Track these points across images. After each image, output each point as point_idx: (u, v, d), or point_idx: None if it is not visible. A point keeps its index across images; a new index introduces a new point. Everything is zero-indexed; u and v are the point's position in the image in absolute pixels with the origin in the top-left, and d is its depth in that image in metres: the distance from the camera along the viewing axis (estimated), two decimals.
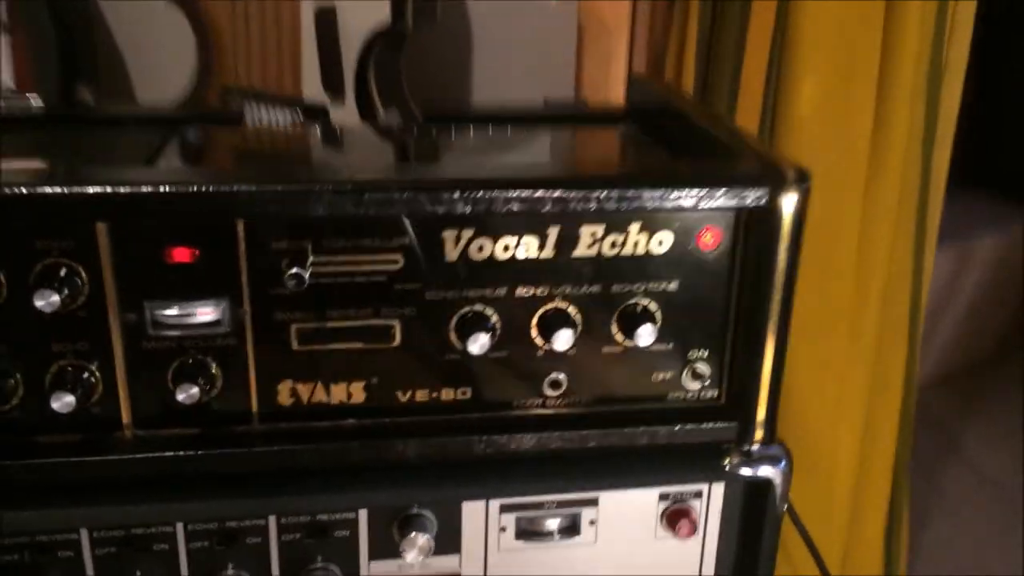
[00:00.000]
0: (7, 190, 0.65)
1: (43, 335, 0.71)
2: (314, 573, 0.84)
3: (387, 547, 0.84)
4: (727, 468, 0.83)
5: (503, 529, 0.86)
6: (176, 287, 0.71)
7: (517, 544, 0.87)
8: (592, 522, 0.87)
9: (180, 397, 0.72)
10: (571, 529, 0.87)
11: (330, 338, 0.74)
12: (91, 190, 0.66)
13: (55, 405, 0.70)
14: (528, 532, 0.87)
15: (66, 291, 0.68)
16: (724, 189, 0.72)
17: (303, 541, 0.83)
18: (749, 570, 0.89)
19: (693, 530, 0.87)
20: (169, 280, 0.71)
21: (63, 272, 0.69)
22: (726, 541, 0.90)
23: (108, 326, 0.71)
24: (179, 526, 0.79)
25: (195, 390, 0.72)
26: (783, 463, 0.84)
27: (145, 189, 0.66)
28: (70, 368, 0.72)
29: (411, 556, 0.82)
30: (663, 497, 0.87)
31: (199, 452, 0.75)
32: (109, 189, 0.66)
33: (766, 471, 0.84)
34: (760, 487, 0.85)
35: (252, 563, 0.83)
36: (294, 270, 0.69)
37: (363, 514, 0.82)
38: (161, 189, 0.66)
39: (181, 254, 0.70)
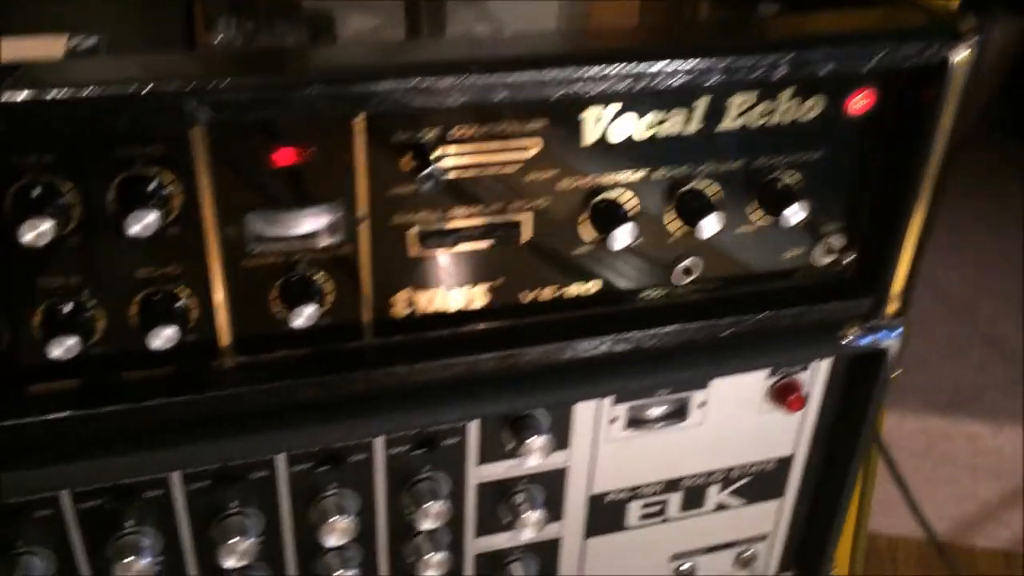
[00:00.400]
0: (78, 90, 0.52)
1: (128, 260, 0.60)
2: (420, 484, 0.78)
3: (496, 450, 0.79)
4: (845, 341, 0.80)
5: (613, 420, 0.82)
6: (282, 194, 0.61)
7: (625, 434, 0.83)
8: (701, 404, 0.83)
9: (295, 321, 0.62)
10: (679, 413, 0.83)
11: (453, 239, 0.65)
12: (188, 85, 0.53)
13: (154, 342, 0.60)
14: (637, 420, 0.82)
15: (158, 208, 0.56)
16: (886, 45, 0.65)
17: (410, 453, 0.76)
18: (848, 442, 0.88)
19: (803, 403, 0.84)
20: (274, 186, 0.60)
21: (153, 185, 0.57)
22: (827, 414, 0.88)
23: (204, 244, 0.61)
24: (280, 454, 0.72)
25: (311, 309, 0.62)
26: (899, 331, 0.81)
27: (252, 81, 0.54)
28: (159, 296, 0.61)
29: (532, 460, 0.77)
30: (772, 372, 0.84)
31: (309, 376, 0.66)
32: (210, 84, 0.54)
33: (884, 342, 0.81)
34: (870, 357, 0.82)
35: (355, 481, 0.76)
36: (428, 170, 0.59)
37: (475, 421, 0.76)
38: (270, 80, 0.54)
39: (288, 156, 0.59)
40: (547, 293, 0.70)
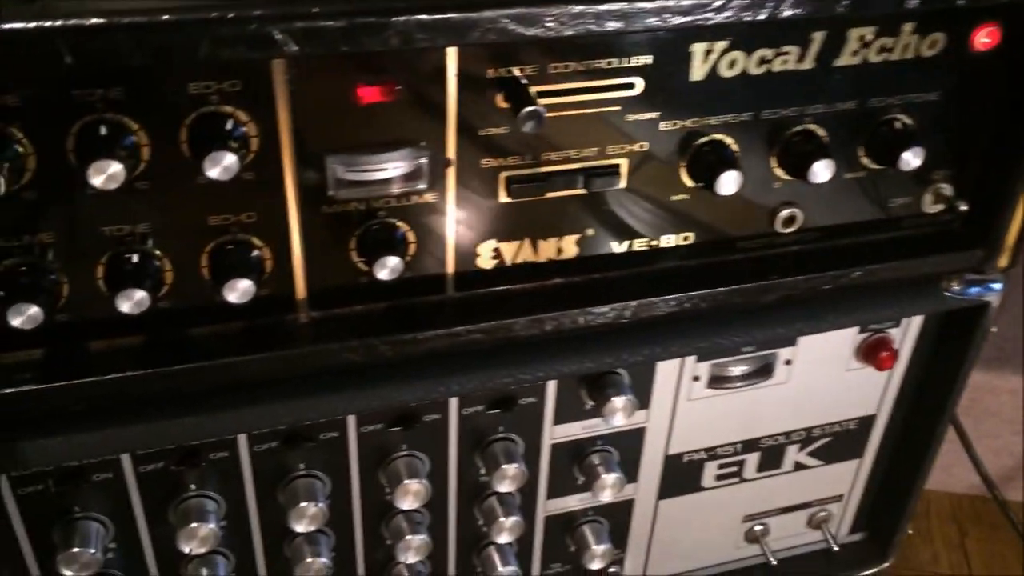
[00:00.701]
0: (152, 15, 0.46)
1: (200, 207, 0.55)
2: (494, 445, 0.74)
3: (573, 409, 0.74)
4: (949, 294, 0.75)
5: (696, 378, 0.77)
6: (366, 135, 0.55)
7: (707, 392, 0.78)
8: (787, 362, 0.79)
9: (380, 272, 0.57)
10: (764, 371, 0.79)
11: (546, 185, 0.60)
12: (276, 11, 0.48)
13: (229, 295, 0.55)
14: (720, 378, 0.78)
15: (236, 150, 0.51)
16: None
17: (485, 413, 0.72)
18: (937, 401, 0.83)
19: (895, 360, 0.80)
20: (358, 127, 0.55)
21: (229, 124, 0.52)
22: (914, 371, 0.83)
23: (282, 189, 0.56)
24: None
25: (395, 261, 0.58)
26: (1000, 284, 0.76)
27: (346, 7, 0.49)
28: (232, 245, 0.56)
29: (616, 420, 0.73)
30: (862, 328, 0.79)
31: (387, 332, 0.61)
32: (300, 10, 0.48)
33: (987, 295, 0.76)
34: (970, 312, 0.77)
35: (427, 442, 0.72)
36: (531, 107, 0.53)
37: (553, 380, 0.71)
38: (366, 7, 0.49)
39: (374, 93, 0.54)
40: (639, 244, 0.65)
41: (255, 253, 0.57)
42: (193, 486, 0.67)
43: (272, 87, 0.52)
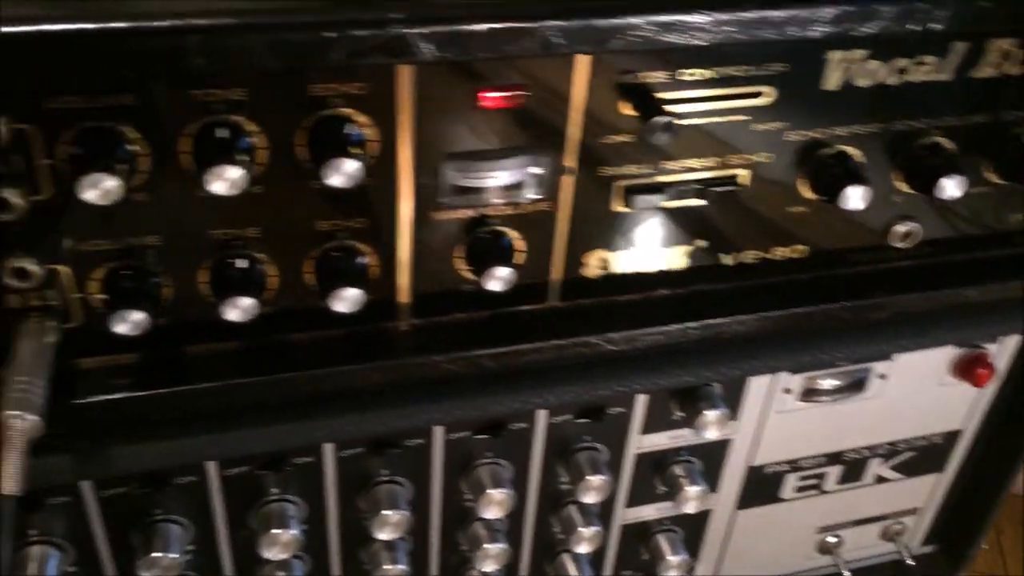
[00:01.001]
0: (287, 15, 0.44)
1: (310, 212, 0.52)
2: (579, 454, 0.72)
3: (661, 419, 0.72)
4: None
5: (788, 391, 0.75)
6: (486, 141, 0.52)
7: (798, 405, 0.76)
8: (882, 376, 0.76)
9: (489, 283, 0.55)
10: (857, 385, 0.76)
11: (663, 195, 0.57)
12: (413, 15, 0.45)
13: (337, 304, 0.52)
14: (812, 391, 0.75)
15: (357, 155, 0.48)
16: None
17: (573, 421, 0.70)
18: None
19: (991, 376, 0.77)
20: (478, 132, 0.52)
21: (351, 129, 0.49)
22: (1007, 388, 0.81)
23: (396, 195, 0.53)
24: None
25: (506, 272, 0.55)
26: None
27: (486, 11, 0.46)
28: (340, 252, 0.54)
29: (708, 433, 0.70)
30: (960, 344, 0.76)
31: (488, 342, 0.59)
32: (431, 17, 0.45)
33: None
34: None
35: (513, 450, 0.70)
36: (664, 118, 0.50)
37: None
38: (506, 12, 0.46)
39: (498, 98, 0.51)
40: (749, 256, 0.63)
41: (362, 260, 0.54)
42: (275, 490, 0.65)
43: (397, 91, 0.49)
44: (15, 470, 0.44)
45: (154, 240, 0.50)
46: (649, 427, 0.72)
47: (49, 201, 0.47)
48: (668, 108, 0.52)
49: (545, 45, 0.46)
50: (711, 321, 0.61)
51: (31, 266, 0.49)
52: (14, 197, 0.46)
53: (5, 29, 0.40)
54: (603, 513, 0.76)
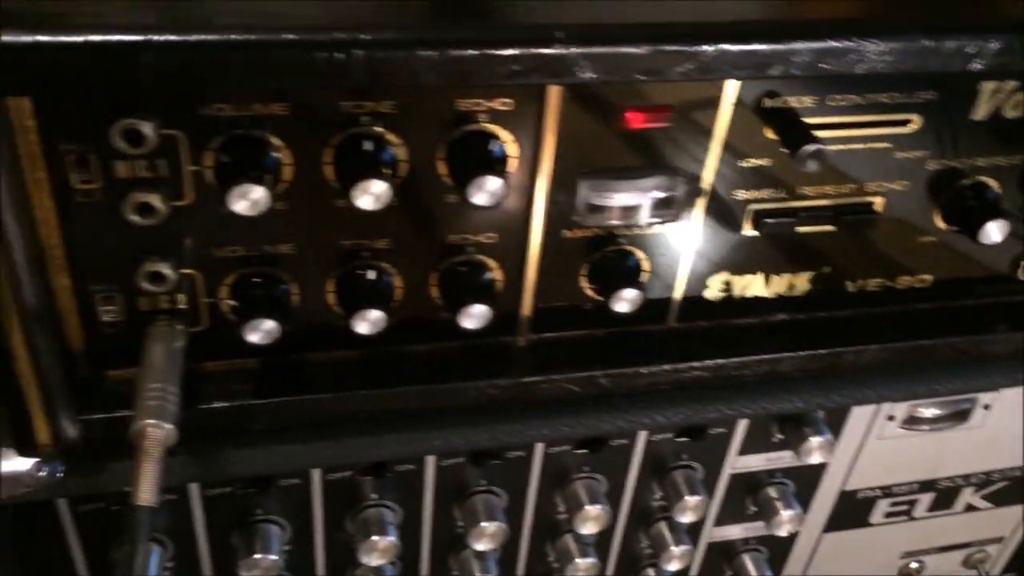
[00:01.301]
0: (428, 34, 0.42)
1: (441, 225, 0.51)
2: (675, 472, 0.71)
3: (760, 442, 0.71)
4: None
5: (891, 418, 0.73)
6: (625, 160, 0.51)
7: (898, 432, 0.74)
8: (987, 407, 0.74)
9: (617, 306, 0.54)
10: (961, 415, 0.75)
11: (796, 220, 0.56)
12: (568, 34, 0.43)
13: (465, 321, 0.52)
14: (914, 419, 0.74)
15: (500, 172, 0.47)
16: None
17: (673, 440, 0.69)
18: None
19: None
20: (618, 152, 0.51)
21: (495, 146, 0.48)
22: None
23: (530, 212, 0.52)
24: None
25: (635, 294, 0.54)
26: None
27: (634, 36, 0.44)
28: (467, 267, 0.53)
29: (811, 458, 0.69)
30: None
31: (605, 361, 0.58)
32: (592, 36, 0.44)
33: None
34: None
35: (610, 466, 0.69)
36: (814, 146, 0.49)
37: None
38: (653, 41, 0.44)
39: (642, 118, 0.50)
40: (873, 284, 0.61)
41: (488, 275, 0.53)
42: (375, 496, 0.65)
43: (545, 108, 0.48)
44: (152, 481, 0.44)
45: (287, 248, 0.50)
46: (747, 448, 0.71)
47: (190, 207, 0.47)
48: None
49: (704, 69, 0.44)
50: (830, 351, 0.60)
51: (166, 270, 0.48)
52: (157, 202, 0.46)
53: (169, 37, 0.39)
54: (691, 530, 0.75)
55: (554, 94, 0.47)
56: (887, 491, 0.79)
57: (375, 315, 0.50)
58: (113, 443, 0.51)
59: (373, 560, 0.64)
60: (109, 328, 0.50)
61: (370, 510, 0.65)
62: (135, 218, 0.46)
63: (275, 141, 0.46)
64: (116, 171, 0.45)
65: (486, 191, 0.46)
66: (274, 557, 0.62)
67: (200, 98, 0.44)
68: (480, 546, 0.66)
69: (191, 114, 0.44)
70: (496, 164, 0.48)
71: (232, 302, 0.51)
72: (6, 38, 0.37)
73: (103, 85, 0.40)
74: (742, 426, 0.69)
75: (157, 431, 0.45)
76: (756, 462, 0.72)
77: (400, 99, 0.46)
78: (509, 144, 0.49)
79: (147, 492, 0.43)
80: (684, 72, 0.44)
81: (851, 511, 0.79)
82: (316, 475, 0.62)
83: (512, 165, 0.49)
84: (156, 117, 0.43)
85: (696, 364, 0.58)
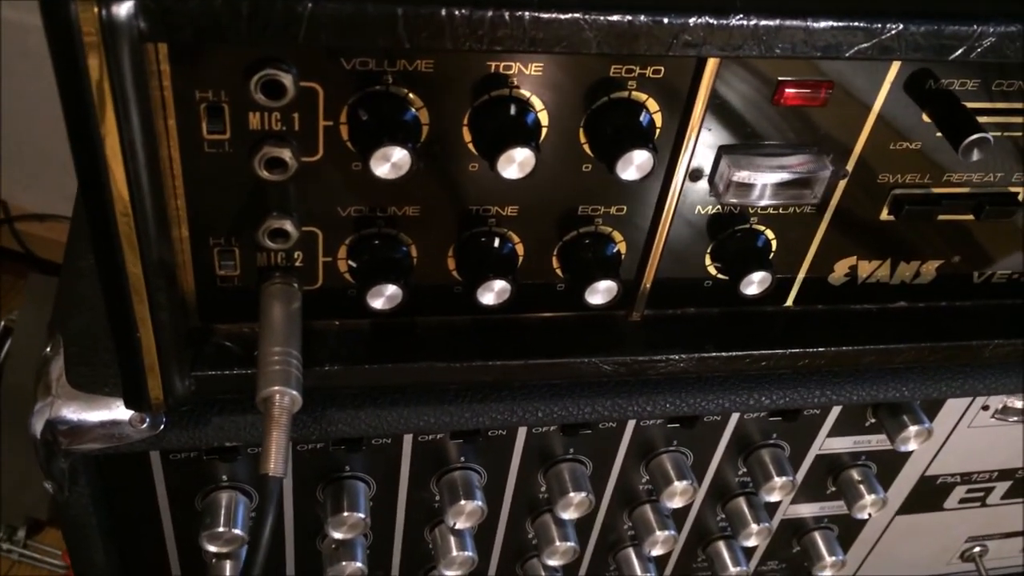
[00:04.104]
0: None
1: (570, 193, 0.49)
2: (763, 451, 0.69)
3: (852, 426, 0.69)
4: None
5: (985, 408, 0.71)
6: (771, 137, 0.49)
7: (990, 421, 0.72)
8: None
9: (748, 288, 0.52)
10: None
11: (936, 208, 0.53)
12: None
13: (592, 297, 0.50)
14: (1009, 410, 0.72)
15: (648, 145, 0.44)
16: None
17: (767, 419, 0.67)
18: None
19: None
20: (765, 128, 0.48)
21: (643, 116, 0.45)
22: None
23: (669, 187, 0.49)
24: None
25: (764, 275, 0.52)
26: None
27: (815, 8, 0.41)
28: (588, 239, 0.51)
29: (908, 446, 0.67)
30: None
31: (724, 343, 0.56)
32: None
33: None
34: None
35: (699, 441, 0.67)
36: (978, 135, 0.46)
37: None
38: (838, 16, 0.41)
39: (796, 95, 0.47)
40: (999, 276, 0.59)
41: (613, 247, 0.51)
42: (463, 458, 0.63)
43: (700, 79, 0.45)
44: (282, 451, 0.42)
45: (412, 211, 0.47)
46: (837, 430, 0.69)
47: (318, 162, 0.44)
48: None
49: (884, 49, 0.41)
50: (951, 344, 0.58)
51: (289, 227, 0.46)
52: (288, 157, 0.43)
53: None
54: (768, 507, 0.74)
55: (711, 65, 0.44)
56: (966, 477, 0.78)
57: (500, 285, 0.48)
58: (220, 400, 0.49)
59: (460, 523, 0.63)
60: (224, 282, 0.48)
61: (456, 472, 0.64)
62: (263, 173, 0.43)
63: (416, 100, 0.43)
64: (249, 123, 0.42)
65: (633, 164, 0.44)
66: (360, 515, 0.61)
67: (344, 51, 0.41)
68: (567, 515, 0.65)
69: (334, 67, 0.41)
70: (643, 136, 0.45)
71: (351, 262, 0.49)
72: None
73: (248, 34, 0.37)
74: (836, 408, 0.68)
75: (284, 398, 0.43)
76: (843, 444, 0.71)
77: (549, 61, 0.43)
78: (656, 114, 0.46)
79: (277, 463, 0.42)
80: (860, 51, 0.41)
81: (928, 495, 0.78)
82: (407, 435, 0.61)
83: (654, 136, 0.47)
84: (296, 69, 0.41)
85: (810, 351, 0.56)
